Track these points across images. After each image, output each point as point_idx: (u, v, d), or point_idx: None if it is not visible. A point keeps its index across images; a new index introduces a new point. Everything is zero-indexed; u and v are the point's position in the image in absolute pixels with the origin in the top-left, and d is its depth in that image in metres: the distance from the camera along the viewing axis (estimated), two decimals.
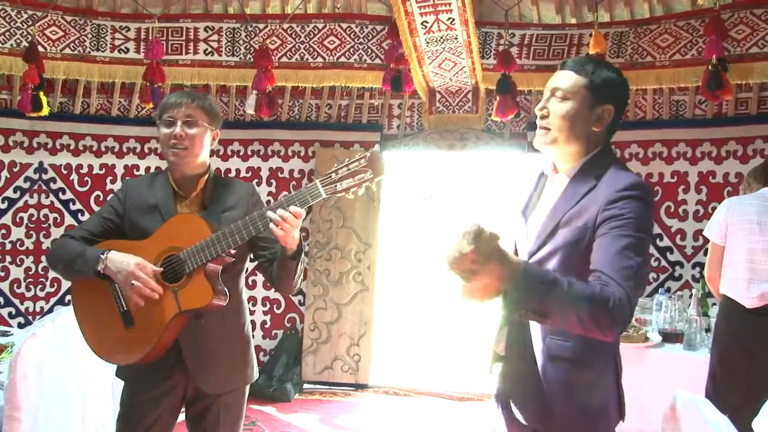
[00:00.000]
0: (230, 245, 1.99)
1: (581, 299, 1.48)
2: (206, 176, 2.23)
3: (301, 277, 2.13)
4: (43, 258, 5.33)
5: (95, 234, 2.19)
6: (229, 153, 5.52)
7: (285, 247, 2.00)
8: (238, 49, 5.21)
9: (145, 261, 2.03)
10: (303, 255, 2.08)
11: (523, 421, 1.77)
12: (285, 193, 5.48)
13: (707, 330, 3.57)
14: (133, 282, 1.99)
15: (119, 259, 2.03)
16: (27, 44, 4.77)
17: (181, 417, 2.27)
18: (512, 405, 1.79)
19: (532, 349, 1.74)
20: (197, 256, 2.01)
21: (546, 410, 1.71)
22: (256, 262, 2.24)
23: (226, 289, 2.08)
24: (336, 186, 1.89)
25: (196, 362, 2.12)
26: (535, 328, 1.74)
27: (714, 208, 3.63)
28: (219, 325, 2.15)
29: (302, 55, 5.22)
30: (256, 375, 2.30)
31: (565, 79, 1.73)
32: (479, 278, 1.49)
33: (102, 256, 2.05)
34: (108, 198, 2.38)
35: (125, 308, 2.09)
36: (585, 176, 1.71)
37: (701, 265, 4.46)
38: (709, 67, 4.22)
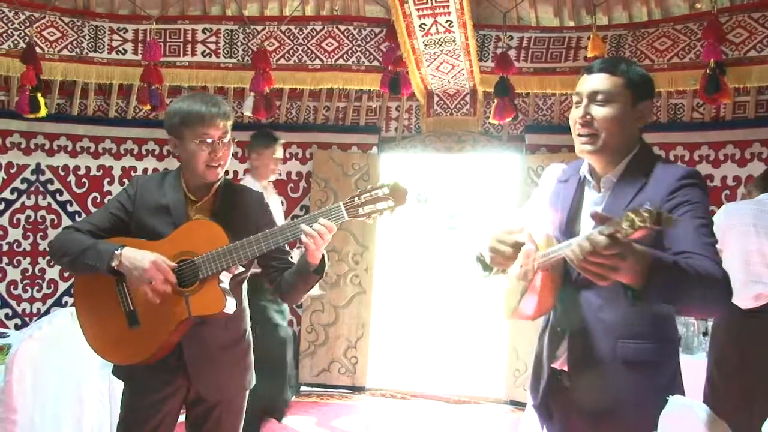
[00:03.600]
0: (249, 255, 1.99)
1: (705, 277, 1.45)
2: (219, 182, 2.20)
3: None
4: (40, 259, 5.32)
5: (102, 229, 2.14)
6: None
7: (309, 261, 2.00)
8: (236, 51, 5.21)
9: (161, 257, 1.99)
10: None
11: None
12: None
13: (705, 334, 3.57)
14: (149, 279, 1.97)
15: (134, 256, 1.99)
16: (24, 45, 4.76)
17: (181, 418, 2.26)
18: (580, 420, 1.73)
19: (604, 359, 1.68)
20: (214, 263, 1.99)
21: (623, 420, 1.66)
22: (261, 270, 2.21)
23: (234, 298, 2.08)
24: (358, 210, 1.92)
25: (198, 367, 2.11)
26: (604, 337, 1.67)
27: (711, 212, 3.64)
28: (221, 332, 2.14)
29: (300, 57, 5.21)
30: (253, 381, 2.29)
31: (603, 82, 1.72)
32: (618, 276, 1.37)
33: (116, 251, 2.00)
34: (116, 194, 2.33)
35: (131, 308, 2.06)
36: (632, 175, 1.71)
37: None
38: (707, 71, 4.23)
